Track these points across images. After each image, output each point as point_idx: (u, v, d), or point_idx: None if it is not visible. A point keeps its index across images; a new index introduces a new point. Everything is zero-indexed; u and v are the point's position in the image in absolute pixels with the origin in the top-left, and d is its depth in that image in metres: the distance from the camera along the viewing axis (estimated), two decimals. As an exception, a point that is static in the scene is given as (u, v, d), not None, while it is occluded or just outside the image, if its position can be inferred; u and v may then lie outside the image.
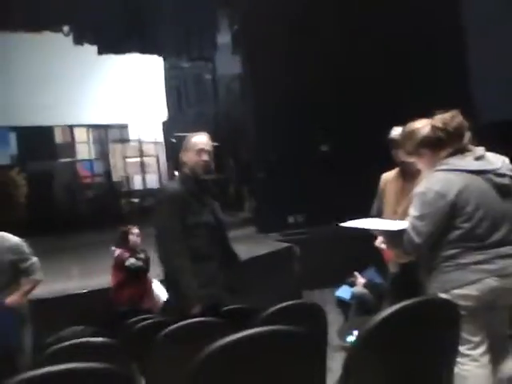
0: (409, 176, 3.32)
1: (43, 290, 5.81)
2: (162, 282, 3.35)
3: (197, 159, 3.24)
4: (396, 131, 3.26)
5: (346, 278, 5.12)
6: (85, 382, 1.36)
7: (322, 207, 7.52)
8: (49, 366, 1.34)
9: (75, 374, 1.35)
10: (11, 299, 3.87)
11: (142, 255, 5.21)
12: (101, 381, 1.38)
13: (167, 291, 3.25)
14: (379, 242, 3.18)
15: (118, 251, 5.18)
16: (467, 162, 2.34)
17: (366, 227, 2.55)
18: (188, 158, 3.26)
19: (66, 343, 2.26)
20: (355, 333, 4.14)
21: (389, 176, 3.50)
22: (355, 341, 1.60)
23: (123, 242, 5.27)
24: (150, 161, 16.19)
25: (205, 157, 3.25)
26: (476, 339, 2.25)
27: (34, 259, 4.03)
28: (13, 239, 3.99)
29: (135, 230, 5.34)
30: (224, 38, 11.55)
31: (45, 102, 12.45)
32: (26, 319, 3.99)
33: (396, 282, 3.32)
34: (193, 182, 3.26)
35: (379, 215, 3.31)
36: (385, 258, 3.45)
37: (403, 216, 2.92)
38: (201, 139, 3.30)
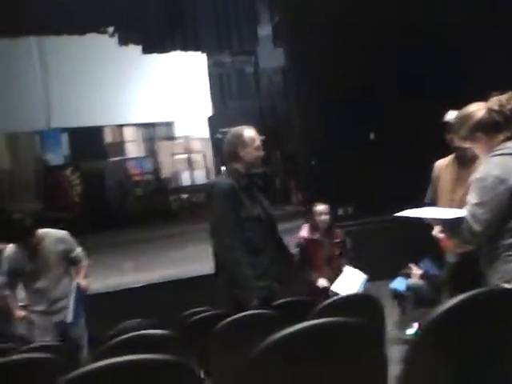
0: (464, 162, 3.21)
1: (98, 285, 6.01)
2: (215, 275, 3.38)
3: (257, 154, 3.31)
4: (451, 114, 3.15)
5: (400, 270, 5.03)
6: (148, 373, 1.39)
7: (372, 198, 7.40)
8: (111, 357, 1.37)
9: (139, 366, 1.37)
10: (83, 283, 4.18)
11: None
12: (164, 372, 1.40)
13: (223, 285, 3.28)
14: (437, 232, 3.09)
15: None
16: None
17: (421, 216, 2.49)
18: (246, 153, 3.27)
19: (126, 335, 2.31)
20: (415, 325, 4.08)
21: (443, 163, 3.40)
22: (417, 333, 1.56)
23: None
24: (196, 157, 16.38)
25: (262, 152, 3.34)
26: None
27: (80, 248, 4.39)
28: (59, 232, 4.33)
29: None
30: (265, 30, 11.53)
31: (93, 102, 12.80)
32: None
33: (454, 272, 3.22)
34: (243, 177, 3.29)
35: (433, 203, 3.23)
36: (443, 248, 3.36)
37: (460, 204, 2.84)
38: (256, 134, 3.33)
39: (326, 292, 4.52)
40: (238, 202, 3.21)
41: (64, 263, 4.25)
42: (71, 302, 4.09)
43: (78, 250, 4.35)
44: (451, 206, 2.79)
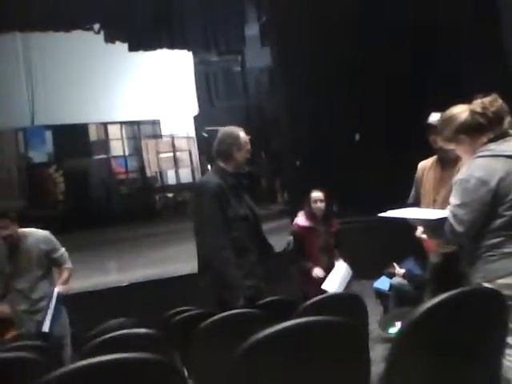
0: (447, 164, 3.25)
1: (81, 284, 5.97)
2: (199, 274, 3.37)
3: (246, 157, 3.41)
4: (434, 117, 3.20)
5: (384, 270, 5.07)
6: (131, 371, 1.38)
7: (356, 198, 7.45)
8: (94, 356, 1.37)
9: (122, 365, 1.37)
10: (61, 288, 4.07)
11: None
12: (148, 371, 1.39)
13: (208, 284, 3.28)
14: (420, 232, 3.12)
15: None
16: (508, 146, 2.27)
17: (405, 217, 2.51)
18: (240, 155, 3.36)
19: (110, 335, 2.29)
20: (398, 324, 4.11)
21: (426, 164, 3.44)
22: (399, 331, 1.58)
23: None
24: (182, 155, 16.34)
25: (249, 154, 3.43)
26: (523, 329, 2.19)
27: (63, 249, 4.25)
28: (42, 232, 4.21)
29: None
30: (252, 29, 11.52)
31: (78, 100, 12.68)
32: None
33: (437, 272, 3.26)
34: (231, 176, 3.32)
35: (417, 204, 3.26)
36: (426, 248, 3.39)
37: (443, 205, 2.89)
38: (246, 137, 3.41)
39: (321, 283, 4.38)
40: (226, 202, 3.23)
41: (45, 264, 4.14)
42: (49, 311, 3.92)
43: (61, 251, 4.22)
44: (433, 207, 2.83)
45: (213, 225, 3.19)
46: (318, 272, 4.50)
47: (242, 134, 3.40)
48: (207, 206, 3.22)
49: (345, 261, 4.65)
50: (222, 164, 3.36)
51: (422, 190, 3.37)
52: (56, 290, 4.04)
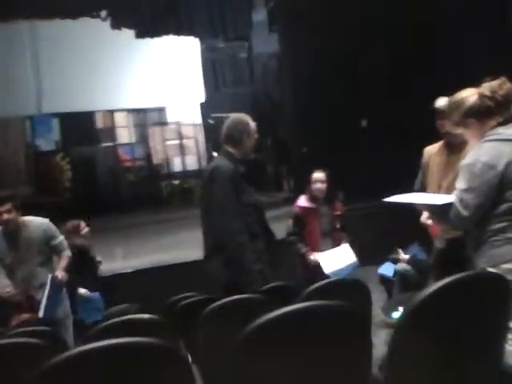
0: (454, 149, 3.23)
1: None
2: (207, 258, 3.38)
3: (253, 144, 3.47)
4: (441, 101, 3.17)
5: (388, 255, 5.05)
6: (136, 357, 1.38)
7: (363, 184, 7.42)
8: (98, 341, 1.37)
9: (126, 349, 1.37)
10: (60, 274, 4.10)
11: None
12: (151, 356, 1.40)
13: (217, 268, 3.29)
14: (425, 218, 3.11)
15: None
16: None
17: (411, 202, 2.50)
18: (249, 141, 3.42)
19: (114, 320, 2.31)
20: (401, 309, 4.10)
21: (432, 149, 3.42)
22: (401, 316, 1.57)
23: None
24: (188, 143, 16.31)
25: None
26: (527, 315, 2.18)
27: (62, 237, 4.28)
28: (42, 220, 4.22)
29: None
30: (260, 15, 11.42)
31: (85, 87, 12.66)
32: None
33: (441, 257, 3.25)
34: (241, 163, 3.37)
35: (423, 189, 3.25)
36: (431, 234, 3.37)
37: (448, 190, 2.87)
38: (254, 125, 3.46)
39: (317, 267, 4.25)
40: (239, 187, 3.25)
41: (46, 251, 4.16)
42: (44, 297, 3.94)
43: (60, 238, 4.24)
44: (439, 192, 2.81)
45: (229, 209, 3.20)
46: (313, 258, 4.35)
47: (252, 122, 3.45)
48: (222, 190, 3.21)
49: (351, 247, 4.51)
50: (230, 149, 3.37)
51: (428, 175, 3.35)
52: (50, 275, 4.05)
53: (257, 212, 3.40)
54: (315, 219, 4.46)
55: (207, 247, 3.41)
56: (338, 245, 4.48)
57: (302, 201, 4.55)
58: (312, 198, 4.49)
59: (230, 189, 3.22)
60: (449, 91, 2.51)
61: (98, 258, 5.19)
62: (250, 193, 3.38)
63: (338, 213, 4.58)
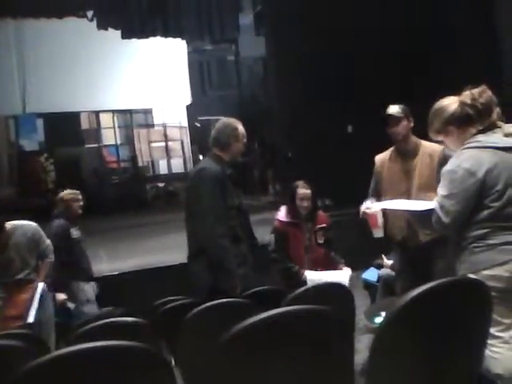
0: (406, 155, 3.35)
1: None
2: (190, 259, 3.37)
3: (242, 150, 3.48)
4: (393, 108, 3.28)
5: (372, 261, 5.08)
6: (118, 360, 1.38)
7: (348, 190, 7.45)
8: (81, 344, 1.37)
9: (108, 352, 1.37)
10: (43, 284, 4.10)
11: None
12: (134, 359, 1.40)
13: (198, 271, 3.28)
14: (364, 207, 3.08)
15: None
16: (497, 138, 2.28)
17: (394, 208, 2.53)
18: (237, 146, 3.42)
19: (97, 323, 2.29)
20: (383, 314, 4.11)
21: (384, 157, 3.51)
22: (383, 322, 1.59)
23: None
24: (174, 145, 16.27)
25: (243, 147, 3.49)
26: (507, 321, 2.21)
27: (48, 241, 4.26)
28: (30, 224, 4.20)
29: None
30: (247, 18, 11.47)
31: (70, 88, 12.58)
32: None
33: (409, 261, 3.35)
34: (227, 166, 3.36)
35: (377, 197, 3.33)
36: (369, 224, 3.19)
37: (408, 195, 3.07)
38: (244, 130, 3.47)
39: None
40: (225, 190, 3.25)
41: (33, 255, 4.15)
42: (34, 303, 3.96)
43: (47, 243, 4.23)
44: (400, 198, 2.88)
45: (213, 212, 3.18)
46: (306, 277, 4.06)
47: (241, 127, 3.46)
48: (208, 192, 3.20)
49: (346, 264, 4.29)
50: (219, 153, 3.39)
51: (384, 182, 3.42)
52: (42, 284, 4.08)
53: (241, 215, 3.40)
54: (298, 234, 4.21)
55: (191, 248, 3.41)
56: (320, 262, 4.23)
57: (283, 214, 4.29)
58: (295, 213, 4.23)
59: (217, 191, 3.21)
60: (437, 97, 2.53)
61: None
62: (235, 195, 3.37)
63: (323, 225, 4.32)
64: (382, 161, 3.49)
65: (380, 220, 3.00)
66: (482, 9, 7.70)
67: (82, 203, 4.98)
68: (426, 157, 3.26)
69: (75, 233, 4.89)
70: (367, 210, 3.02)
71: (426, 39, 7.86)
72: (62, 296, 4.60)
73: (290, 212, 4.26)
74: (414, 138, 3.37)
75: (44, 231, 4.29)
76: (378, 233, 3.18)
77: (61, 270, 4.42)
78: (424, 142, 3.31)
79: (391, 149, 3.47)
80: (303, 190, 4.24)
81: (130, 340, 1.42)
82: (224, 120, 3.54)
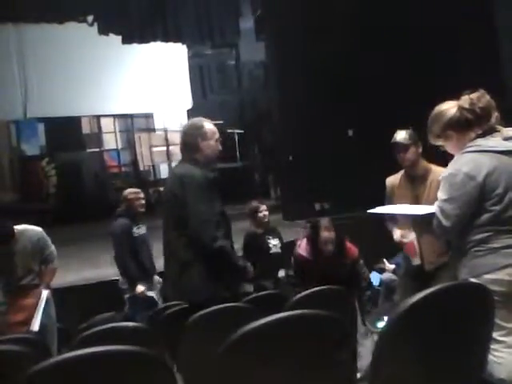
0: (415, 179, 3.34)
1: (72, 278, 5.95)
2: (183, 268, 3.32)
3: (216, 148, 3.19)
4: (401, 134, 3.27)
5: (374, 265, 5.09)
6: (120, 364, 1.38)
7: (348, 194, 7.46)
8: (83, 349, 1.37)
9: (110, 357, 1.37)
10: (47, 290, 4.11)
11: None
12: (136, 364, 1.40)
13: (194, 278, 3.21)
14: (399, 237, 3.13)
15: None
16: (496, 142, 2.29)
17: (394, 213, 2.53)
18: (208, 146, 3.15)
19: (99, 328, 2.30)
20: (386, 318, 4.11)
21: (394, 181, 3.49)
22: (385, 326, 1.59)
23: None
24: (175, 149, 16.27)
25: (220, 146, 3.23)
26: (510, 325, 2.20)
27: (53, 247, 4.28)
28: (36, 229, 4.23)
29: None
30: (247, 23, 11.49)
31: (71, 93, 12.59)
32: None
33: (413, 274, 3.31)
34: (207, 169, 3.16)
35: (392, 220, 3.30)
36: (406, 252, 3.33)
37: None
38: (213, 127, 3.24)
39: None
40: (213, 195, 3.13)
41: (37, 260, 4.17)
42: (39, 312, 3.98)
43: (52, 248, 4.25)
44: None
45: (211, 217, 3.01)
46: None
47: (207, 124, 3.20)
48: (200, 198, 3.01)
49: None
50: (194, 155, 3.16)
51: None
52: (47, 291, 4.11)
53: (225, 221, 3.21)
54: (320, 271, 3.81)
55: (181, 260, 3.15)
56: None
57: (304, 248, 4.00)
58: (317, 253, 3.90)
59: (211, 196, 3.06)
60: (437, 101, 2.53)
61: None
62: (219, 202, 3.17)
63: (349, 261, 4.01)
64: (393, 185, 3.49)
65: (417, 248, 3.03)
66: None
67: (143, 201, 5.06)
68: (436, 182, 3.22)
69: (137, 231, 4.95)
70: (404, 240, 3.02)
71: (428, 40, 7.85)
72: (141, 288, 4.68)
73: (311, 252, 3.96)
74: (423, 163, 3.35)
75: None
76: (416, 260, 3.20)
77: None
78: (434, 167, 3.30)
79: (401, 172, 3.46)
80: (326, 234, 3.90)
81: (131, 345, 1.42)
82: (190, 121, 3.36)
